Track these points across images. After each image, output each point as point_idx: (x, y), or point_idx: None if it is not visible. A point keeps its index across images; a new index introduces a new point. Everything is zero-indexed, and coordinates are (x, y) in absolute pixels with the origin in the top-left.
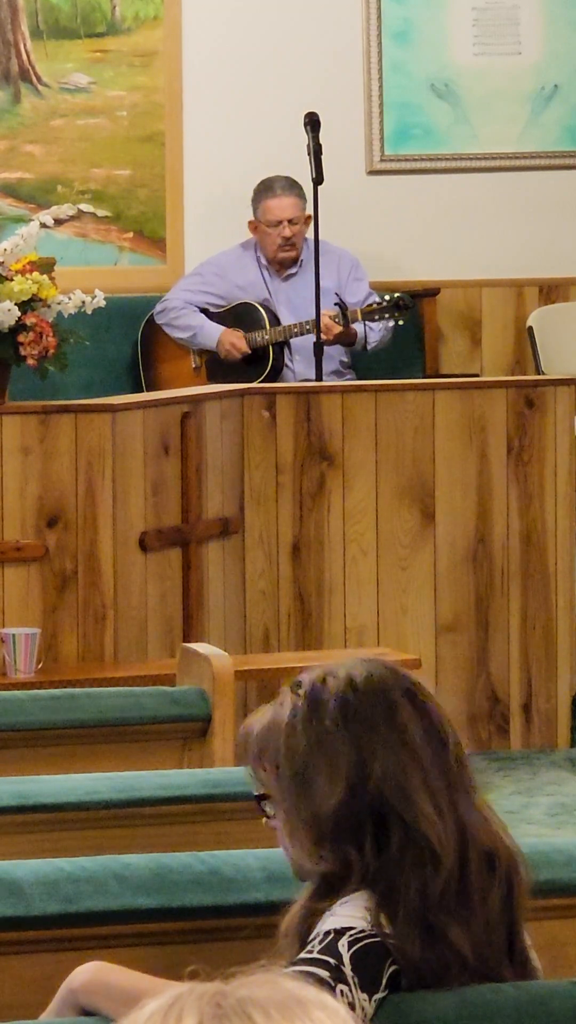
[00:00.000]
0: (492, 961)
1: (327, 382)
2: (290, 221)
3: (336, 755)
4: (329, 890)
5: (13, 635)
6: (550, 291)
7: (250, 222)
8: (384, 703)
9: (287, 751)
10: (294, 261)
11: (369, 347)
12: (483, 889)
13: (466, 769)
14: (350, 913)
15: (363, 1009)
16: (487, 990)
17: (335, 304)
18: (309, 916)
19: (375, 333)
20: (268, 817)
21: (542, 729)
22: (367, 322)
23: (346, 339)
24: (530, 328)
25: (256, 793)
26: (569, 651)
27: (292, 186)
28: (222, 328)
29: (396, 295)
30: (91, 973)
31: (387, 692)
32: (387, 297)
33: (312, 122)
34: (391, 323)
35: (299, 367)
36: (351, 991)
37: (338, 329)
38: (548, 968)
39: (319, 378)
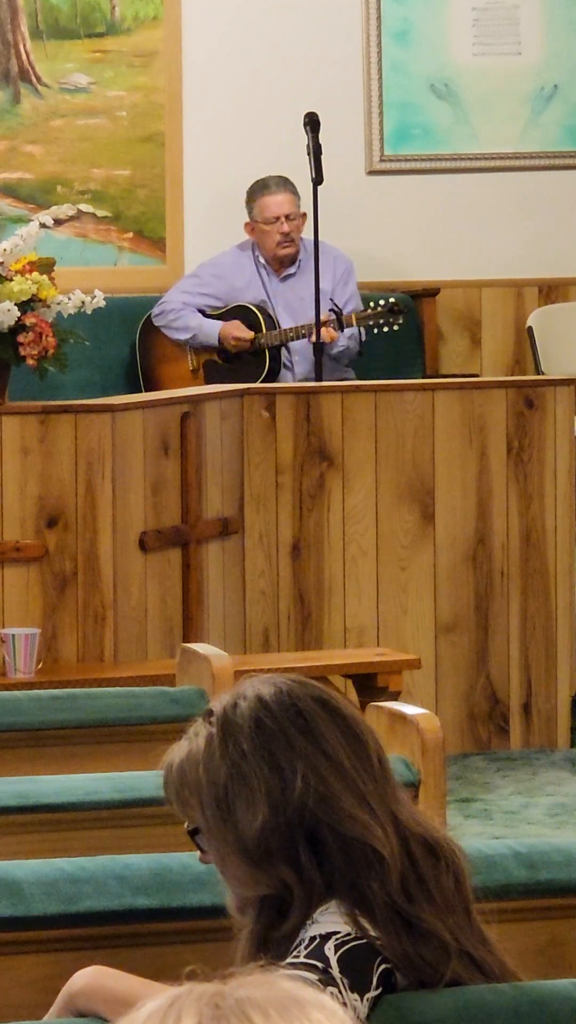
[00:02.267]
0: (466, 941)
1: (327, 382)
2: (287, 217)
3: (254, 777)
4: (274, 914)
5: (13, 635)
6: (550, 291)
7: (246, 224)
8: (296, 715)
9: (207, 781)
10: (293, 259)
11: (335, 352)
12: (435, 876)
13: (388, 768)
14: (332, 920)
15: (355, 1009)
16: (487, 991)
17: (330, 310)
18: (262, 944)
19: (344, 340)
20: (203, 852)
21: (542, 729)
22: (361, 328)
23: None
24: (530, 328)
25: (187, 829)
26: (569, 651)
27: (286, 183)
28: (220, 323)
29: (391, 300)
30: (89, 977)
31: (298, 704)
32: (382, 302)
33: (312, 122)
34: (360, 330)
35: (299, 368)
36: (341, 992)
37: (334, 335)
38: (548, 968)
39: (319, 378)
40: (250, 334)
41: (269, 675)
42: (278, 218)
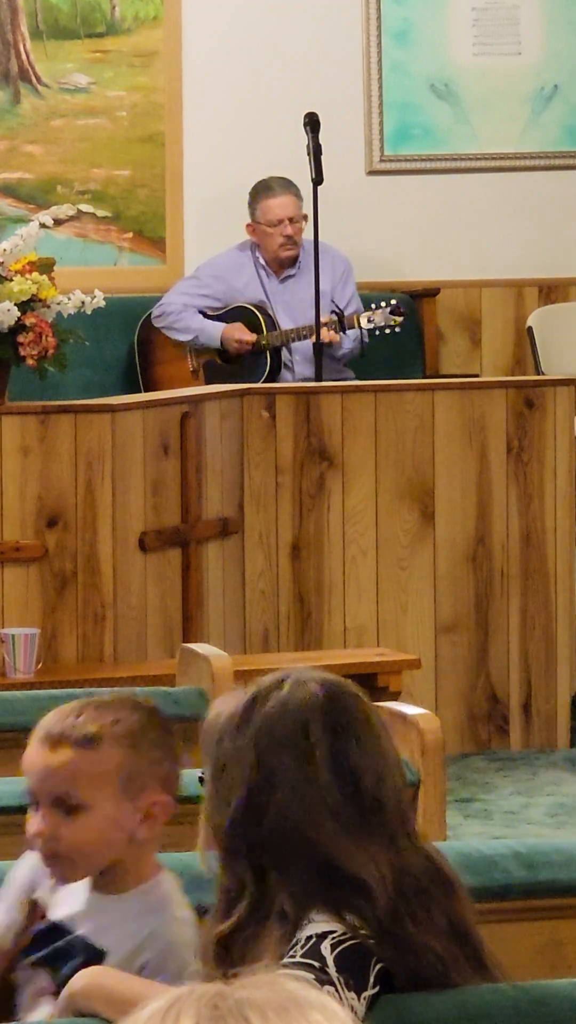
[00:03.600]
0: (459, 959)
1: (327, 382)
2: (290, 219)
3: (241, 776)
4: (227, 908)
5: (13, 635)
6: (550, 291)
7: (248, 225)
8: (301, 738)
9: (214, 748)
10: (294, 260)
11: (340, 354)
12: (425, 905)
13: (385, 805)
14: (328, 919)
15: (353, 1008)
16: (487, 990)
17: (332, 312)
18: (226, 942)
19: (349, 343)
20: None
21: (542, 729)
22: (362, 327)
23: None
24: (530, 328)
25: (200, 775)
26: (569, 651)
27: (289, 185)
28: (223, 325)
29: (392, 301)
30: (90, 977)
31: (307, 725)
32: (383, 303)
33: (312, 122)
34: (363, 331)
35: (299, 368)
36: (338, 991)
37: (336, 337)
38: (548, 968)
39: (319, 379)
40: (252, 336)
41: (322, 676)
42: (281, 220)
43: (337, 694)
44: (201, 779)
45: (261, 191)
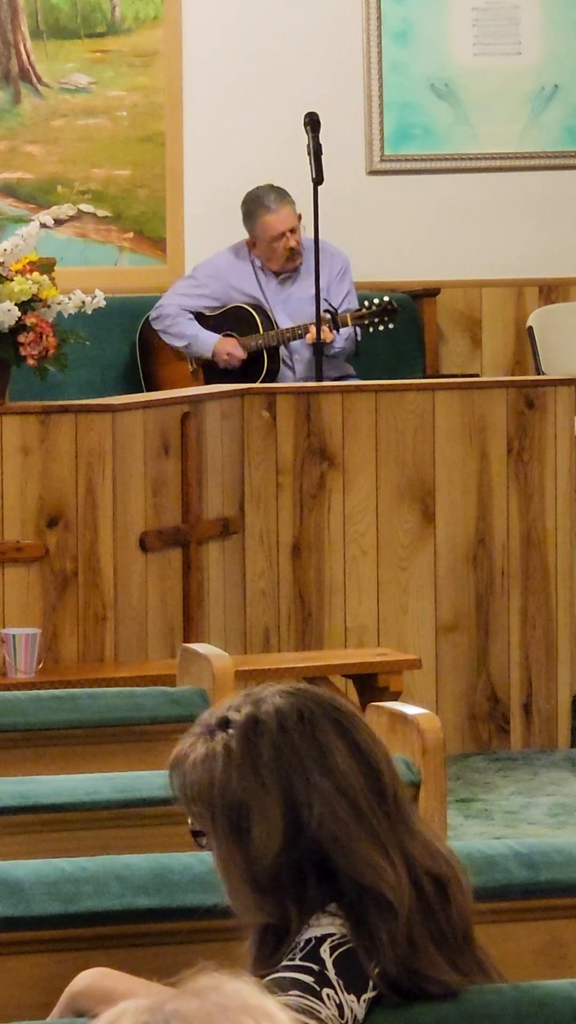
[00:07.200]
0: (465, 968)
1: (327, 382)
2: (291, 231)
3: (270, 806)
4: (275, 943)
5: (13, 635)
6: (550, 291)
7: (247, 241)
8: (315, 747)
9: (221, 797)
10: (297, 267)
11: (333, 352)
12: (443, 911)
13: (399, 794)
14: (327, 922)
15: (352, 1011)
16: (487, 991)
17: (325, 311)
18: (264, 963)
19: (341, 341)
20: (204, 847)
21: (542, 729)
22: (356, 327)
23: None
24: (530, 328)
25: (192, 829)
26: (569, 651)
27: (282, 195)
28: (217, 337)
29: (385, 299)
30: (91, 978)
31: (317, 733)
32: (376, 301)
33: (312, 122)
34: (356, 329)
35: (299, 367)
36: (337, 994)
37: (331, 336)
38: (548, 968)
39: (319, 378)
40: (243, 354)
41: (285, 687)
42: (283, 234)
43: (308, 693)
44: (196, 833)
45: (256, 208)
